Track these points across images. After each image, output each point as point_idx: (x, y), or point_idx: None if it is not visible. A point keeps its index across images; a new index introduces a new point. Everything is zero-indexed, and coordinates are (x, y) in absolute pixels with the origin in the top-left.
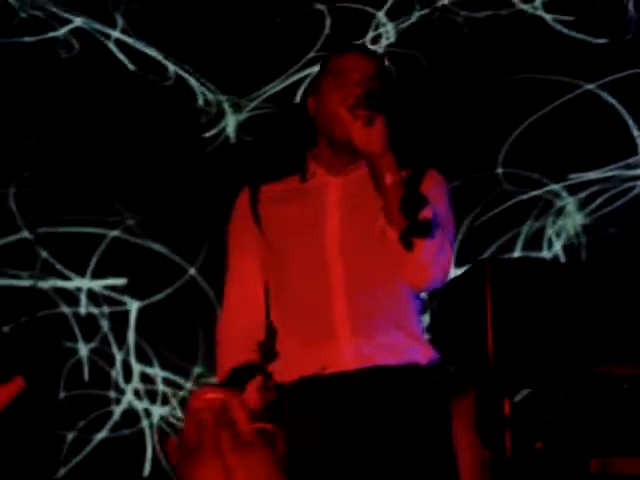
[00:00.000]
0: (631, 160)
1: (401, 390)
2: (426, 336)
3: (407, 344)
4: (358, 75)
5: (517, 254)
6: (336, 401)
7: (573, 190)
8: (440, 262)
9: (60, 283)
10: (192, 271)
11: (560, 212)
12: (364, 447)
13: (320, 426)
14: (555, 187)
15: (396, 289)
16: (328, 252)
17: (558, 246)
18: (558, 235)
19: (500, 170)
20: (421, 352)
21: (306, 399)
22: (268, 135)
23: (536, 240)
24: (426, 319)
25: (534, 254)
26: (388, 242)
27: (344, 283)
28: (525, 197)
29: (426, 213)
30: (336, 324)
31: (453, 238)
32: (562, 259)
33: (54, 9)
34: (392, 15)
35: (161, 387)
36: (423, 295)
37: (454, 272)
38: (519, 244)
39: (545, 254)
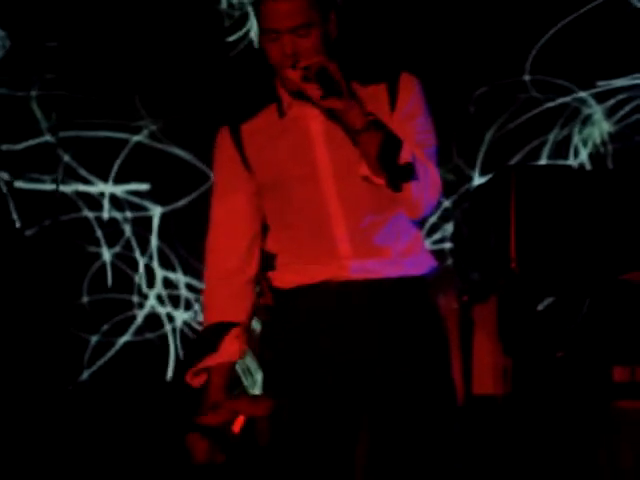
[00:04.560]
0: None
1: (398, 301)
2: (427, 244)
3: (407, 253)
4: (287, 20)
5: (543, 162)
6: (337, 307)
7: (601, 98)
8: (431, 190)
9: (83, 187)
10: None
11: (587, 120)
12: (361, 355)
13: (318, 331)
14: (583, 94)
15: (393, 206)
16: (323, 183)
17: (584, 154)
18: (585, 143)
19: (527, 77)
20: (421, 261)
21: (307, 304)
22: None
23: (563, 148)
24: (450, 228)
25: (560, 162)
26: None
27: (342, 209)
28: (552, 104)
29: (405, 156)
30: (339, 248)
31: (435, 149)
32: (588, 167)
33: None
34: None
35: (184, 292)
36: (446, 204)
37: (480, 180)
38: (545, 152)
39: (571, 162)
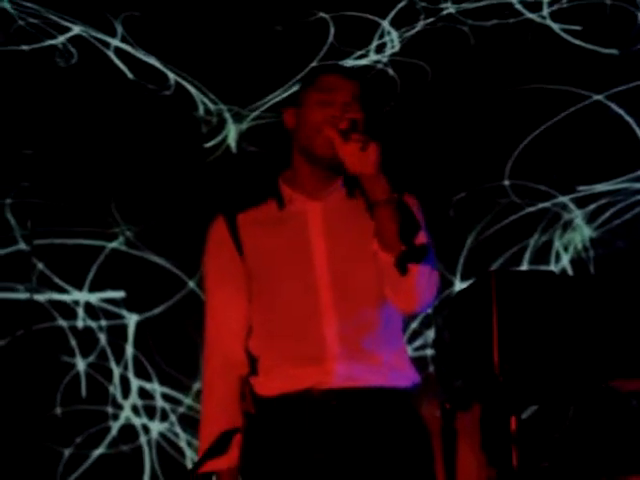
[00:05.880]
0: None
1: (383, 412)
2: (410, 353)
3: (394, 364)
4: (344, 95)
5: (524, 267)
6: (320, 418)
7: (581, 203)
8: (432, 285)
9: (57, 296)
10: (192, 284)
11: (568, 225)
12: (343, 467)
13: (301, 442)
14: (563, 199)
15: (384, 312)
16: (317, 278)
17: (566, 259)
18: (566, 248)
19: (507, 182)
20: (406, 374)
21: (290, 414)
22: (269, 145)
23: (544, 253)
24: (431, 334)
25: (542, 267)
26: (381, 266)
27: (334, 308)
28: (533, 209)
29: (422, 238)
30: (327, 348)
31: (434, 262)
32: (570, 272)
33: (53, 17)
34: (397, 24)
35: (160, 402)
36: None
37: (460, 285)
38: (526, 257)
39: (553, 267)
